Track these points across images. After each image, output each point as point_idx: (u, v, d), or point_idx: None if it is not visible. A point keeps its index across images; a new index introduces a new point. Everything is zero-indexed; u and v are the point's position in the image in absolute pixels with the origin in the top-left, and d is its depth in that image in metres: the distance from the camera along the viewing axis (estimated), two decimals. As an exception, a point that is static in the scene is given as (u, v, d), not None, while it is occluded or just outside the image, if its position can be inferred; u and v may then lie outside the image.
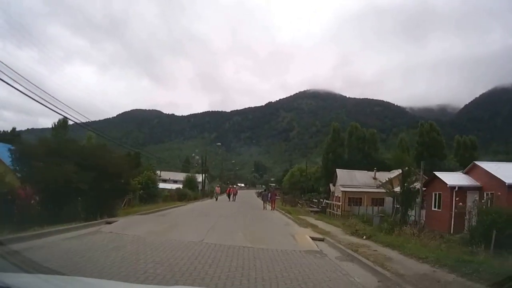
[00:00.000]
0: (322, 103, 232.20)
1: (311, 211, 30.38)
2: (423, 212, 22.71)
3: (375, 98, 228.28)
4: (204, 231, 11.22)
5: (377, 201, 33.47)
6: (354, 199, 34.22)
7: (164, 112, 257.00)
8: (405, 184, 21.91)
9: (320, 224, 16.23)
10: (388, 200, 30.69)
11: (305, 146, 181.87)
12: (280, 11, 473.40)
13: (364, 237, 11.51)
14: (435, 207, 22.31)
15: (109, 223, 11.68)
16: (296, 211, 24.45)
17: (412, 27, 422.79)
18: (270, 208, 27.87)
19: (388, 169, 39.32)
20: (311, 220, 18.13)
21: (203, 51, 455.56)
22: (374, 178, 37.29)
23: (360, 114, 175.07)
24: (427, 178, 23.35)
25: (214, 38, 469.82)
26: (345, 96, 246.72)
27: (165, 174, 61.39)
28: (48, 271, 4.39)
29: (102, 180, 12.33)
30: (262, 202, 32.02)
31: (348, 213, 30.57)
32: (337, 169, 38.43)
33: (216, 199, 37.72)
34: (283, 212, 24.08)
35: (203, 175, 50.23)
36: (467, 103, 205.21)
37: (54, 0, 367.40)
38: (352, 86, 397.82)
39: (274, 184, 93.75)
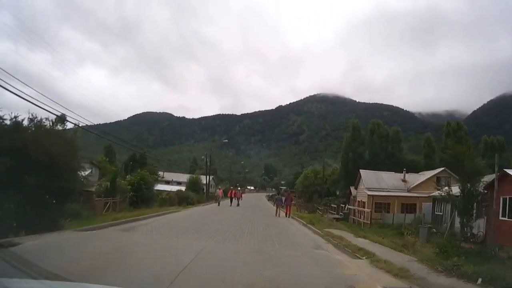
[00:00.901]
0: (332, 107, 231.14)
1: (334, 219, 26.01)
2: (481, 221, 17.87)
3: (384, 103, 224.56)
4: (170, 275, 5.69)
5: (408, 207, 28.99)
6: (381, 204, 29.58)
7: (175, 115, 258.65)
8: (467, 186, 16.62)
9: (366, 244, 10.88)
10: (424, 206, 26.36)
11: (315, 149, 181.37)
12: (291, 16, 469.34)
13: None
14: (504, 216, 17.00)
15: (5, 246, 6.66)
16: (318, 219, 19.83)
17: (421, 34, 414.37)
18: (284, 214, 24.22)
19: (414, 170, 35.21)
20: (347, 235, 12.84)
21: (214, 54, 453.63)
22: (404, 181, 32.81)
23: (369, 119, 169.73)
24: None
25: (225, 42, 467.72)
26: (355, 101, 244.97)
27: (169, 176, 58.03)
28: (54, 277, 4.26)
29: (22, 172, 7.90)
30: (273, 207, 28.16)
31: (377, 221, 26.33)
32: (361, 170, 33.88)
33: (219, 204, 32.88)
34: (303, 221, 19.24)
35: (208, 176, 45.03)
36: (475, 109, 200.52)
37: (68, 5, 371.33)
38: (362, 91, 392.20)
39: (285, 187, 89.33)
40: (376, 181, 32.02)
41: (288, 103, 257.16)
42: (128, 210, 20.70)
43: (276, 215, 23.56)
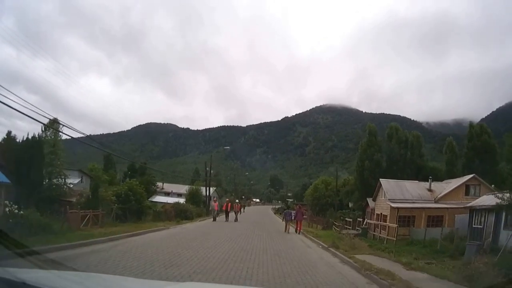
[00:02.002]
0: (338, 117, 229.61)
1: (346, 233, 22.49)
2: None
3: (391, 113, 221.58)
4: None
5: (435, 219, 25.50)
6: (405, 217, 25.98)
7: (180, 126, 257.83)
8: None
9: (430, 283, 7.49)
10: (458, 218, 22.85)
11: (321, 160, 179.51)
12: (297, 26, 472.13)
13: None
14: None
15: None
16: (338, 238, 16.09)
17: (428, 42, 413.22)
18: (294, 230, 21.98)
19: (435, 179, 31.82)
20: (393, 266, 9.03)
21: (219, 65, 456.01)
22: (429, 190, 29.21)
23: (376, 129, 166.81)
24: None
25: (230, 52, 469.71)
26: (361, 111, 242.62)
27: (168, 187, 54.85)
28: (63, 267, 4.24)
29: None
30: (282, 222, 25.16)
31: (403, 237, 22.75)
32: (381, 179, 30.24)
33: (214, 219, 27.97)
34: (322, 242, 15.25)
35: (208, 187, 40.60)
36: (483, 117, 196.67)
37: (73, 14, 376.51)
38: (369, 101, 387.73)
39: (292, 200, 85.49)
40: (399, 192, 28.44)
41: (294, 114, 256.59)
42: (111, 225, 17.68)
43: (285, 231, 21.77)
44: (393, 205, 26.12)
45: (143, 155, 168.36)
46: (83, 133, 18.29)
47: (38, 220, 12.38)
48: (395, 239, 21.19)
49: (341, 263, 10.14)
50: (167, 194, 50.07)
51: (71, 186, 25.66)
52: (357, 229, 28.77)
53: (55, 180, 22.91)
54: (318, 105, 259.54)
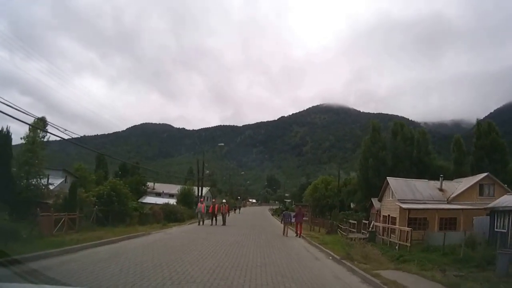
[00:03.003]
0: (336, 117, 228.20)
1: (354, 238, 20.16)
2: None
3: (389, 113, 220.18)
4: None
5: (448, 222, 23.35)
6: (417, 219, 23.62)
7: (175, 126, 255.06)
8: None
9: None
10: (477, 221, 20.68)
11: (319, 161, 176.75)
12: (294, 25, 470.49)
13: None
14: None
15: None
16: (348, 245, 13.81)
17: (426, 42, 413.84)
18: (295, 233, 20.08)
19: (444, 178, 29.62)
20: None
21: (215, 65, 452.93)
22: (441, 190, 26.95)
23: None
24: None
25: (226, 52, 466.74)
26: (359, 111, 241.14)
27: (160, 187, 52.39)
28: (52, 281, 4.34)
29: None
30: (281, 224, 23.00)
31: (416, 242, 20.33)
32: (389, 178, 27.85)
33: (199, 223, 24.17)
34: (331, 252, 12.72)
35: (200, 187, 37.00)
36: (481, 118, 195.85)
37: (66, 15, 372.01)
38: (366, 101, 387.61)
39: (289, 200, 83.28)
40: (409, 191, 26.12)
41: (290, 113, 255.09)
42: (89, 230, 15.41)
43: (283, 234, 19.73)
44: (404, 206, 23.77)
45: (138, 156, 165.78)
46: (73, 134, 16.06)
47: (1, 226, 10.87)
48: (409, 244, 19.00)
49: (363, 283, 7.74)
50: (158, 194, 47.71)
51: (52, 187, 23.36)
52: (362, 233, 26.54)
53: (33, 180, 20.61)
54: (315, 104, 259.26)
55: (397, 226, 23.66)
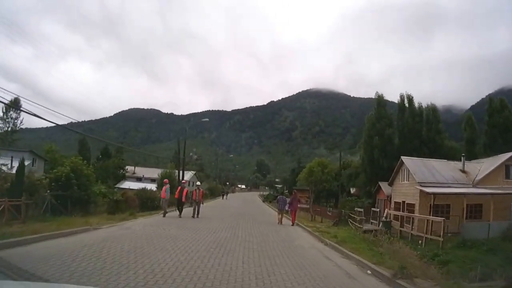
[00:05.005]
0: (325, 102, 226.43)
1: (363, 231, 17.03)
2: None
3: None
4: None
5: (473, 209, 20.28)
6: (439, 206, 20.09)
7: (163, 111, 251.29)
8: None
9: None
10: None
11: (309, 145, 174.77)
12: (283, 9, 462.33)
13: None
14: None
15: None
16: (372, 243, 11.07)
17: (416, 26, 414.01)
18: (291, 222, 18.16)
19: (454, 159, 26.96)
20: None
21: (204, 49, 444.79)
22: (463, 171, 23.67)
23: (364, 114, 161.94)
24: None
25: (215, 36, 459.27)
26: (349, 96, 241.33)
27: (141, 171, 49.52)
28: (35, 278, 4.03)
29: None
30: (276, 213, 21.21)
31: (454, 235, 17.13)
32: (403, 157, 24.21)
33: (164, 215, 17.28)
34: (356, 256, 8.90)
35: (180, 171, 32.81)
36: (473, 103, 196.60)
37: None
38: (356, 86, 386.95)
39: (280, 185, 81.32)
40: (429, 173, 22.46)
41: (280, 98, 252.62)
42: (39, 220, 12.95)
43: (278, 222, 18.08)
44: (428, 190, 20.10)
45: (126, 141, 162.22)
46: (58, 120, 13.37)
47: None
48: (441, 239, 15.74)
49: None
50: (139, 179, 44.90)
51: (6, 169, 20.62)
52: (372, 223, 22.73)
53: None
54: (305, 89, 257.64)
55: (421, 215, 19.95)
